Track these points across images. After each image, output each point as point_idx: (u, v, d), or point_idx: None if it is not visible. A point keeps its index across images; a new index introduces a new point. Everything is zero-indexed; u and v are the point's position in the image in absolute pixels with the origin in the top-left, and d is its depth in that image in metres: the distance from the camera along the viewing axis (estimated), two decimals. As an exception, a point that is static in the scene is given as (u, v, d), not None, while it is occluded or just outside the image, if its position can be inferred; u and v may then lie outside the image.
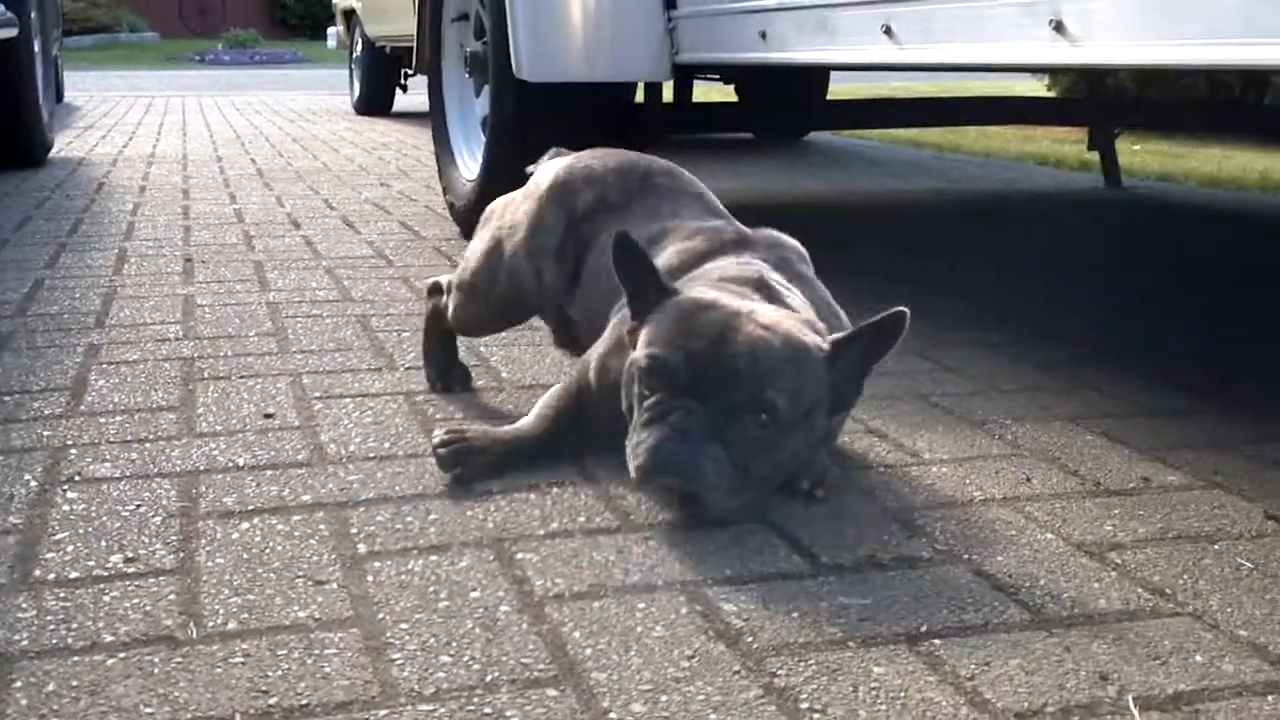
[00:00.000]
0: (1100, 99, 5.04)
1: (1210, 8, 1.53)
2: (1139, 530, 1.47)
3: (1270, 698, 1.10)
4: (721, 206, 1.90)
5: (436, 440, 1.59)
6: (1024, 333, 2.49)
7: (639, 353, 1.47)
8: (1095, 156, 5.17)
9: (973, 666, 1.14)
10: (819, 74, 6.47)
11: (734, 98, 7.03)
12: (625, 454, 1.45)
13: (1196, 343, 2.42)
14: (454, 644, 1.17)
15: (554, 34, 3.19)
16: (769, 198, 4.95)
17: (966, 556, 1.39)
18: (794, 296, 1.57)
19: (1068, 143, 6.60)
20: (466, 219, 3.65)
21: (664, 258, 1.69)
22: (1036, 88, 8.02)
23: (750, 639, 1.19)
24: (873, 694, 1.09)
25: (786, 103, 5.58)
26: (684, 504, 1.46)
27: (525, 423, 1.66)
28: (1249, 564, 1.39)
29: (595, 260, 1.81)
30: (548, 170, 1.93)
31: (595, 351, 1.67)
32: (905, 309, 1.43)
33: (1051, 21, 1.80)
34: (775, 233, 1.76)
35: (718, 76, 7.65)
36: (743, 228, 1.78)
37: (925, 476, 1.66)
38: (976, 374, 2.17)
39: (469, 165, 3.77)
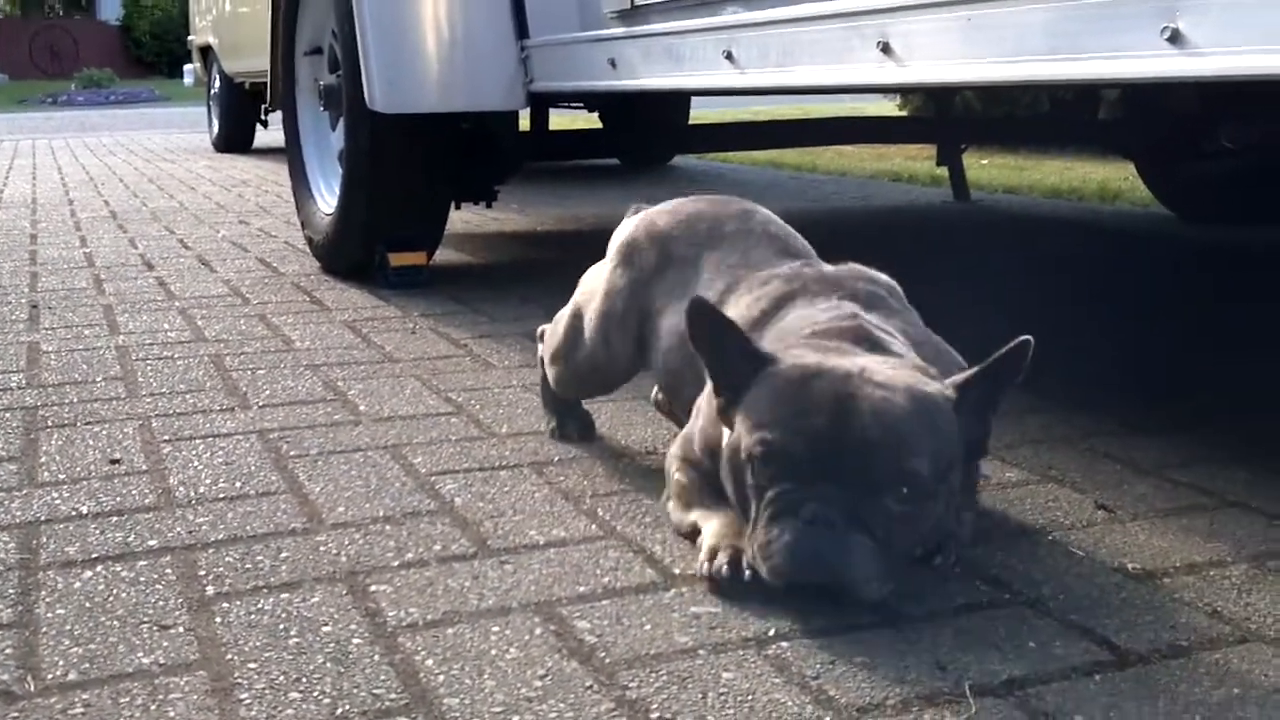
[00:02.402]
0: (947, 117, 5.22)
1: (1019, 30, 1.61)
2: (979, 525, 1.53)
3: (1097, 677, 1.15)
4: (805, 244, 1.72)
5: (726, 571, 1.32)
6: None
7: (747, 440, 1.29)
8: (945, 172, 5.35)
9: (818, 666, 1.17)
10: (680, 100, 6.58)
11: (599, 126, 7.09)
12: (752, 555, 1.29)
13: (1037, 345, 2.52)
14: (304, 680, 1.15)
15: (407, 65, 3.18)
16: (633, 222, 5.00)
17: (815, 561, 1.43)
18: (896, 341, 1.41)
19: (919, 160, 6.82)
20: (325, 253, 3.62)
21: (736, 311, 1.52)
22: (889, 108, 8.28)
23: (603, 654, 1.20)
24: (721, 699, 1.11)
25: (649, 128, 5.65)
26: (830, 598, 1.26)
27: (719, 514, 1.41)
28: (1080, 552, 1.45)
29: (670, 323, 1.66)
30: (619, 233, 1.83)
31: (694, 434, 1.50)
32: (1029, 338, 1.28)
33: (879, 44, 1.87)
34: (861, 268, 1.59)
35: (582, 106, 7.74)
36: (825, 266, 1.61)
37: (778, 486, 1.69)
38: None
39: (326, 199, 3.73)
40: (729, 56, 2.29)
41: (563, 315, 1.86)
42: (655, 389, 1.94)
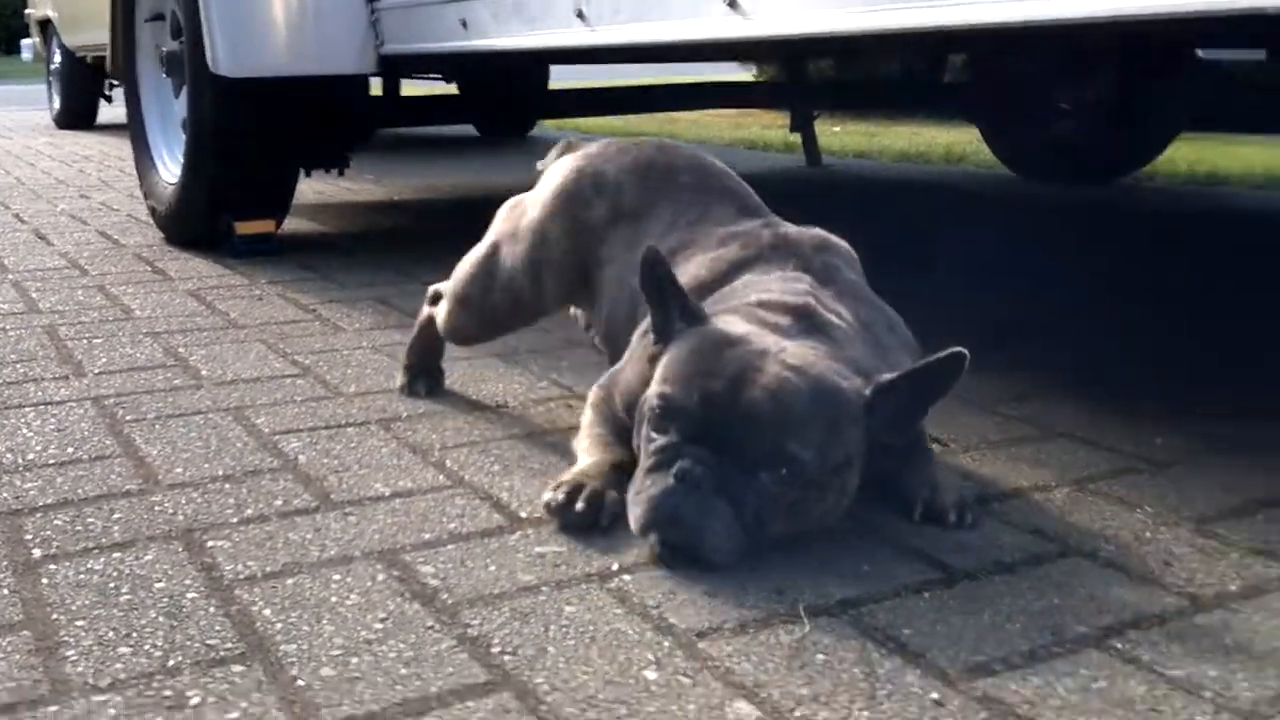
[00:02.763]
0: (799, 83, 5.30)
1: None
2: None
3: (927, 594, 1.20)
4: (760, 202, 1.68)
5: (561, 499, 1.34)
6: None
7: (652, 389, 1.30)
8: (798, 139, 5.44)
9: (659, 596, 1.19)
10: (539, 69, 6.53)
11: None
12: (627, 500, 1.29)
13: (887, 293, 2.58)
14: (134, 635, 1.12)
15: (251, 27, 3.09)
16: (494, 190, 4.96)
17: (660, 500, 1.44)
18: (841, 325, 1.37)
19: (774, 128, 6.93)
20: (169, 224, 3.50)
21: (690, 270, 1.50)
22: (746, 78, 8.37)
23: (446, 596, 1.19)
24: (563, 631, 1.12)
25: (507, 95, 5.61)
26: (682, 558, 1.24)
27: (601, 452, 1.42)
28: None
29: (615, 274, 1.64)
30: (555, 174, 1.75)
31: (620, 376, 1.49)
32: (964, 350, 1.24)
33: (723, -3, 1.89)
34: (821, 233, 1.55)
35: (440, 77, 7.63)
36: (784, 228, 1.56)
37: (627, 433, 1.71)
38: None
39: (170, 168, 3.61)
40: (580, 15, 2.29)
41: (476, 255, 1.79)
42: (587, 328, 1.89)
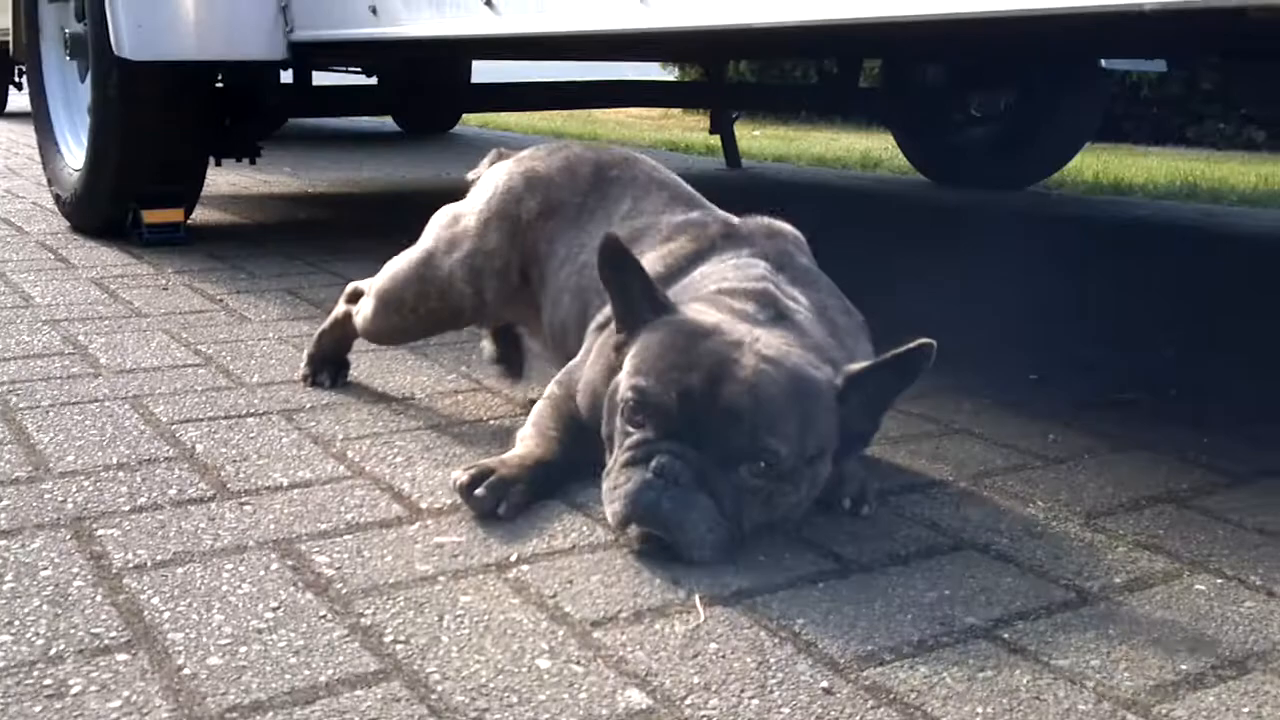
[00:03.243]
0: (719, 84, 5.34)
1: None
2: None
3: (821, 585, 1.21)
4: (695, 192, 1.68)
5: (464, 480, 1.34)
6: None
7: (624, 382, 1.28)
8: (719, 141, 5.48)
9: (557, 586, 1.19)
10: (460, 63, 6.49)
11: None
12: (601, 492, 1.28)
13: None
14: (16, 622, 1.09)
15: (157, 9, 3.02)
16: (413, 186, 4.92)
17: (561, 491, 1.44)
18: (801, 311, 1.38)
19: (695, 131, 6.97)
20: (74, 211, 3.41)
21: (645, 264, 1.43)
22: (667, 77, 8.41)
23: (340, 585, 1.18)
24: (458, 620, 1.11)
25: (426, 88, 5.57)
26: (663, 549, 1.24)
27: (535, 445, 1.42)
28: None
29: (557, 271, 1.62)
30: (489, 180, 1.73)
31: (581, 371, 1.47)
32: (932, 341, 1.25)
33: (634, -12, 1.89)
34: (769, 220, 1.55)
35: (360, 71, 7.54)
36: (729, 218, 1.56)
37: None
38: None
39: (75, 154, 3.52)
40: (488, 3, 2.28)
41: (410, 260, 1.74)
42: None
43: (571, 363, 1.52)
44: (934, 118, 4.65)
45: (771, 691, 1.00)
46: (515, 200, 1.67)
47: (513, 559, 1.25)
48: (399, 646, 1.06)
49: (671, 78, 8.37)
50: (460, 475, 1.35)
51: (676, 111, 9.10)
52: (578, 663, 1.04)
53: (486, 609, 1.13)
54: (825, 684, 1.02)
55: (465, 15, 2.35)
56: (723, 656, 1.06)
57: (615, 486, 1.24)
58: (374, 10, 2.69)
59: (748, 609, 1.15)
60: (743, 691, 1.00)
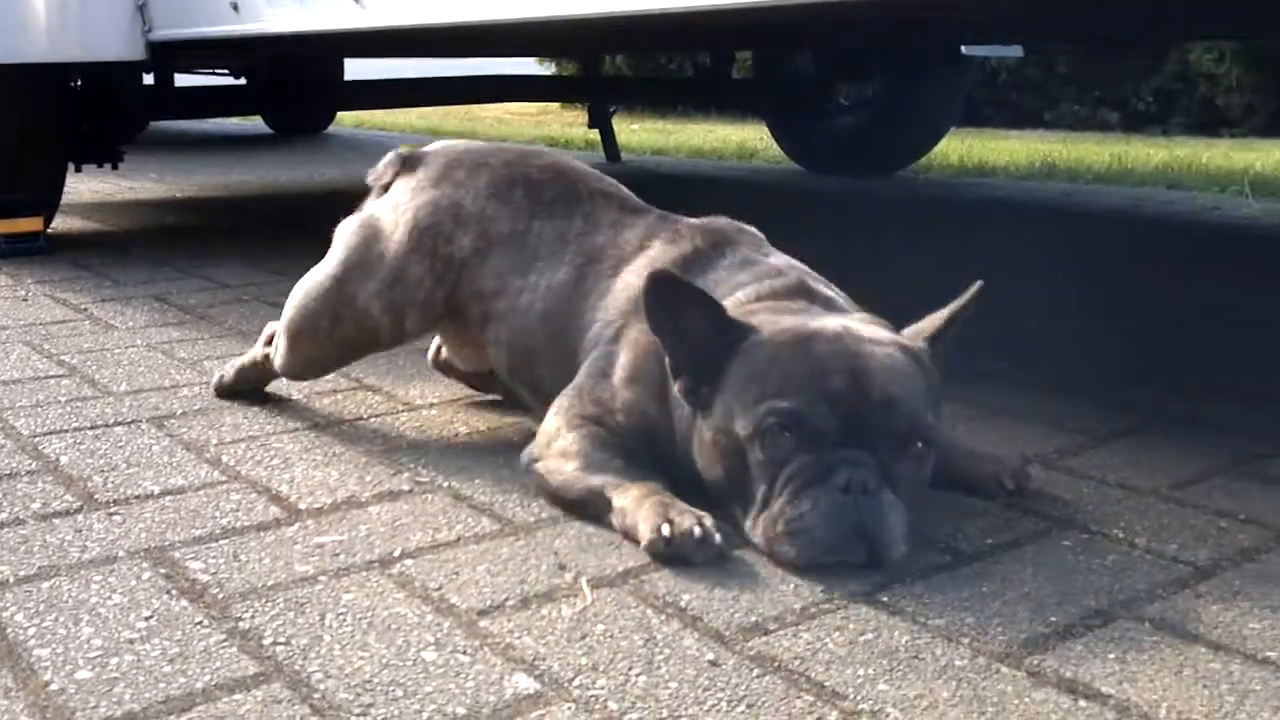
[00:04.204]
0: (596, 79, 5.35)
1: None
2: (606, 442, 1.58)
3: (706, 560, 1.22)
4: (634, 196, 1.61)
5: (692, 529, 1.19)
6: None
7: (752, 415, 1.19)
8: (598, 135, 5.48)
9: (441, 578, 1.18)
10: (333, 62, 6.38)
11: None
12: (752, 534, 1.20)
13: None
14: None
15: (8, 9, 2.91)
16: (284, 187, 4.82)
17: (446, 484, 1.43)
18: (837, 297, 1.39)
19: (576, 125, 6.96)
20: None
21: (634, 283, 1.39)
22: (545, 72, 8.40)
23: (216, 591, 1.15)
24: (340, 618, 1.09)
25: (297, 88, 5.47)
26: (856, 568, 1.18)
27: (640, 486, 1.28)
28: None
29: (515, 298, 1.51)
30: (404, 204, 1.58)
31: (609, 389, 1.37)
32: (982, 282, 1.30)
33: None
34: (725, 220, 1.51)
35: (228, 72, 7.36)
36: (690, 220, 1.51)
37: (415, 420, 1.69)
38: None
39: (-78, 164, 3.36)
40: (353, -4, 2.24)
41: (318, 286, 1.61)
42: (435, 346, 1.80)
43: (584, 382, 1.40)
44: (804, 107, 4.72)
45: (659, 667, 1.01)
46: (444, 238, 1.55)
47: (396, 554, 1.23)
48: (279, 648, 1.04)
49: (549, 73, 8.36)
50: (677, 529, 1.19)
51: (555, 107, 9.08)
52: (464, 652, 1.03)
53: (370, 605, 1.12)
54: (711, 656, 1.03)
55: (330, 10, 2.31)
56: (610, 636, 1.06)
57: (800, 516, 1.16)
58: (235, 7, 2.63)
59: (634, 589, 1.16)
60: (630, 669, 1.00)
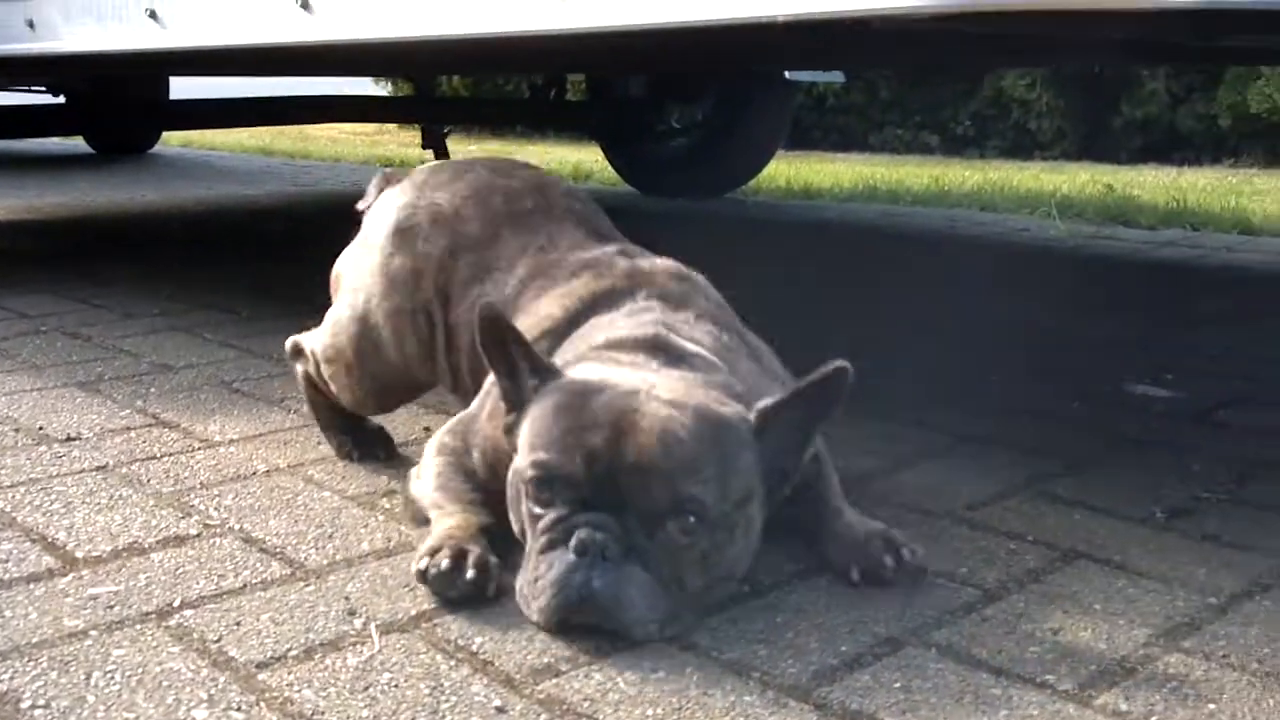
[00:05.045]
0: (430, 99, 5.28)
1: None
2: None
3: (501, 600, 1.20)
4: (607, 222, 1.58)
5: (445, 566, 1.16)
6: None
7: (523, 460, 1.15)
8: (432, 156, 5.42)
9: (222, 629, 1.13)
10: (156, 79, 6.15)
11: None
12: (519, 592, 1.13)
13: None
14: None
15: None
16: (103, 209, 4.61)
17: (237, 526, 1.38)
18: (698, 352, 1.26)
19: (411, 146, 6.86)
20: None
21: (541, 309, 1.35)
22: (379, 92, 8.27)
23: (-27, 651, 1.08)
24: (108, 677, 1.03)
25: (119, 106, 5.26)
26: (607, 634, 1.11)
27: (469, 513, 1.25)
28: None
29: (470, 311, 1.42)
30: (384, 213, 1.55)
31: (475, 424, 1.33)
32: (845, 364, 1.15)
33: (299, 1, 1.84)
34: (674, 264, 1.43)
35: (46, 90, 7.02)
36: (635, 257, 1.44)
37: (211, 458, 1.62)
38: (284, 357, 2.16)
39: None
40: (153, 15, 2.16)
41: (339, 321, 1.55)
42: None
43: (465, 412, 1.37)
44: (636, 130, 4.76)
45: (443, 717, 0.98)
46: (420, 238, 1.51)
47: (175, 604, 1.17)
48: (38, 712, 0.98)
49: (385, 93, 8.23)
50: (435, 562, 1.16)
51: (391, 127, 8.94)
52: (238, 709, 0.99)
53: (141, 661, 1.06)
54: (499, 702, 1.00)
55: (130, 29, 2.22)
56: (395, 686, 1.03)
57: (536, 579, 1.11)
58: (31, 24, 2.50)
59: (426, 633, 1.13)
60: (414, 719, 0.97)
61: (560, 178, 1.68)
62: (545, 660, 1.08)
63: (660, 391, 1.15)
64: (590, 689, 1.03)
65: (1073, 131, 7.31)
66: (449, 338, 1.50)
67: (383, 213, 1.57)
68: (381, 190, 1.63)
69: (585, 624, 1.10)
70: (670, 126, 4.69)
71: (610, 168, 5.14)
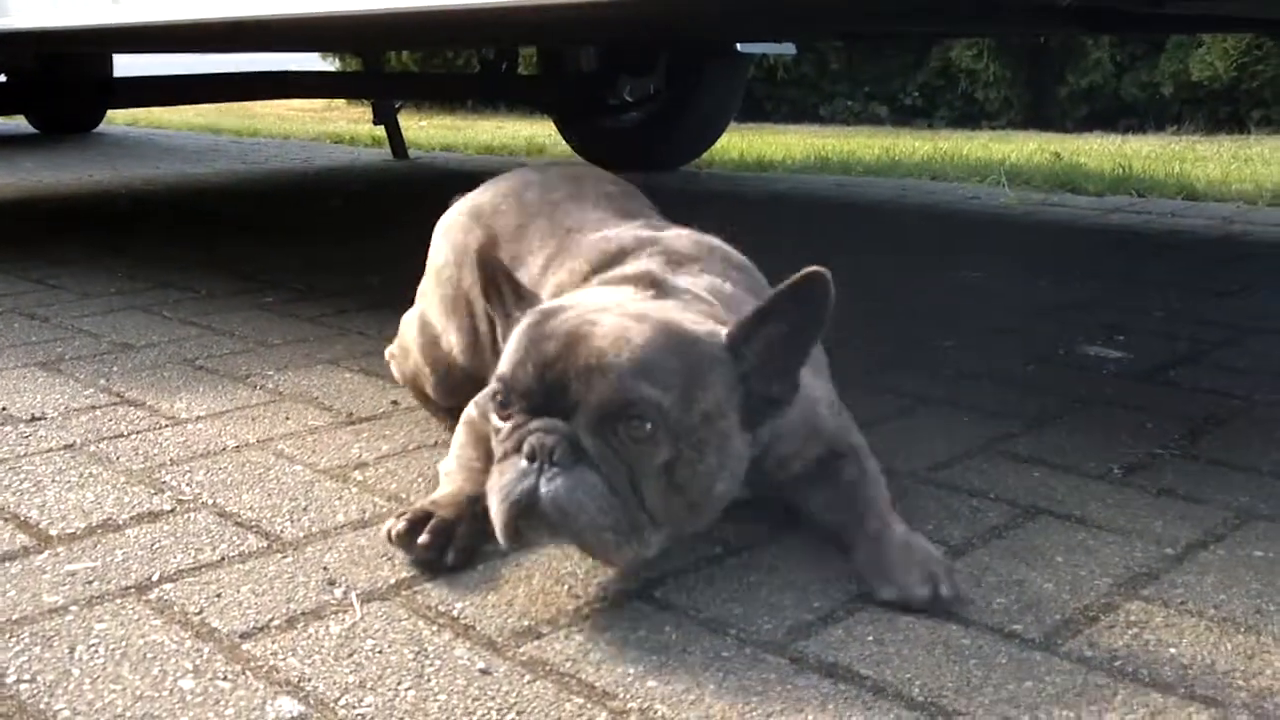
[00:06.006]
0: (379, 74, 5.24)
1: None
2: (382, 449, 1.56)
3: (481, 566, 1.21)
4: (642, 202, 1.60)
5: (402, 528, 1.19)
6: (293, 294, 2.53)
7: (494, 377, 1.14)
8: (384, 133, 5.38)
9: (203, 601, 1.13)
10: (99, 57, 6.05)
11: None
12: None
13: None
14: None
15: None
16: (50, 192, 4.53)
17: (211, 501, 1.38)
18: (693, 291, 1.22)
19: (362, 122, 6.80)
20: None
21: (555, 280, 1.37)
22: (328, 68, 8.18)
23: (-47, 629, 1.08)
24: (91, 650, 1.04)
25: (60, 83, 5.16)
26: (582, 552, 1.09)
27: (464, 480, 1.27)
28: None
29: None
30: (444, 214, 1.64)
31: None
32: (821, 269, 1.10)
33: (255, -26, 1.82)
34: (690, 231, 1.41)
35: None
36: (658, 230, 1.42)
37: (179, 435, 1.62)
38: (246, 334, 2.17)
39: None
40: (104, -10, 2.13)
41: (407, 318, 1.65)
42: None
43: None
44: (589, 103, 4.76)
45: (429, 680, 1.00)
46: (460, 232, 1.58)
47: (154, 579, 1.18)
48: (23, 686, 0.98)
49: (334, 68, 8.14)
50: (396, 524, 1.20)
51: (341, 103, 8.85)
52: (224, 678, 1.00)
53: (124, 635, 1.07)
54: (482, 665, 1.02)
55: (84, 5, 2.19)
56: (379, 652, 1.04)
57: (491, 489, 1.08)
58: (-25, 0, 2.45)
59: (406, 600, 1.14)
60: (399, 684, 0.99)
61: (605, 171, 1.70)
62: (525, 623, 1.10)
63: (625, 306, 1.13)
64: (572, 649, 1.05)
65: (1019, 101, 7.39)
66: (491, 328, 1.48)
67: (444, 214, 1.66)
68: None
69: (539, 535, 1.07)
70: (623, 100, 4.69)
71: (563, 141, 5.13)
